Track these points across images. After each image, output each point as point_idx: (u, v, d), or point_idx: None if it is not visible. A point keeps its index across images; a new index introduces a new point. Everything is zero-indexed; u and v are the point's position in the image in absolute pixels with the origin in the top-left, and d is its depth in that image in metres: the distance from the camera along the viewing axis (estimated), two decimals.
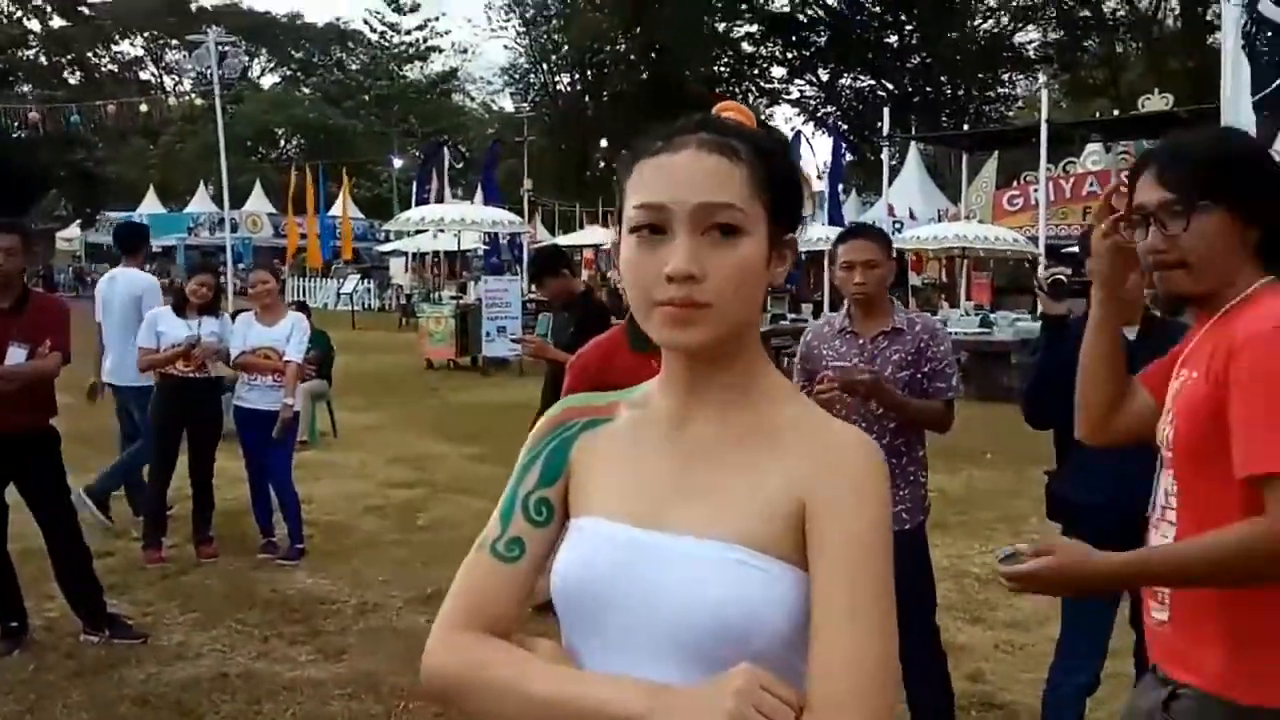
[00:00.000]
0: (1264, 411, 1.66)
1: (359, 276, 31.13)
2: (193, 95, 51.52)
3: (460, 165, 37.39)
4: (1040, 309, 3.73)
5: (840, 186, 22.67)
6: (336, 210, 32.56)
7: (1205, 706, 1.75)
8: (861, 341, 3.47)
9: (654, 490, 1.15)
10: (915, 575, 3.34)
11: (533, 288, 21.73)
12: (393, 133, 46.23)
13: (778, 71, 47.29)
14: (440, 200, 23.56)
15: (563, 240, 29.03)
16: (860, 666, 1.01)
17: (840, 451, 1.11)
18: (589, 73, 47.55)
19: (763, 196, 1.10)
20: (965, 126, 33.82)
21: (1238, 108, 11.21)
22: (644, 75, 45.35)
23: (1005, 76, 44.23)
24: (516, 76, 49.68)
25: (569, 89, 49.01)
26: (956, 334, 12.88)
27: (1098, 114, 29.87)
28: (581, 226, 31.19)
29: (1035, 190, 21.43)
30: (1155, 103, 23.37)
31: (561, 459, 1.21)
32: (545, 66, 48.25)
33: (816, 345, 3.58)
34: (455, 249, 24.02)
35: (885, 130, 21.17)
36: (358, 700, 4.12)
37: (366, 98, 51.10)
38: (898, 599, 1.07)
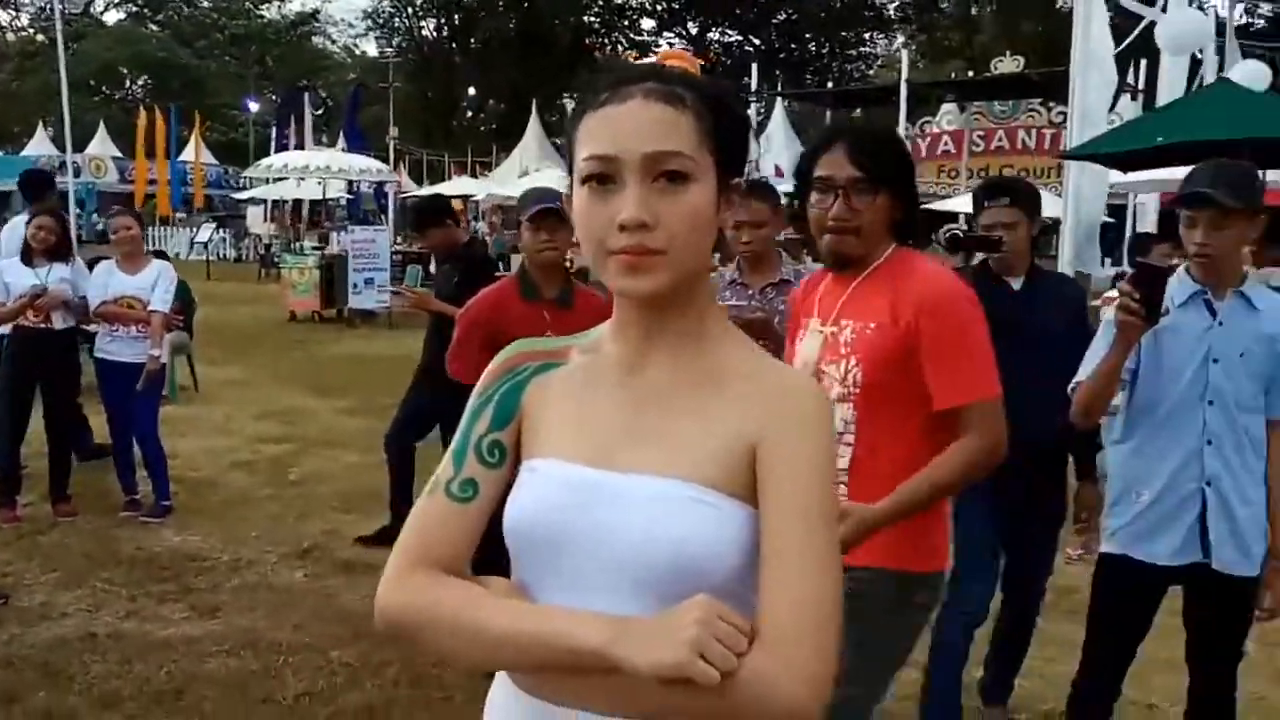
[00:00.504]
0: (956, 355, 2.18)
1: (214, 225, 29.88)
2: (31, 30, 48.26)
3: (321, 111, 36.16)
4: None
5: None
6: (188, 155, 31.12)
7: (878, 577, 2.16)
8: (751, 292, 3.60)
9: (607, 432, 1.17)
10: None
11: (398, 239, 21.41)
12: (249, 75, 44.34)
13: (647, 24, 47.20)
14: (301, 147, 22.81)
15: (427, 190, 28.48)
16: (808, 602, 1.06)
17: (788, 396, 1.15)
18: (456, 19, 46.47)
19: (710, 144, 1.13)
20: (829, 84, 34.44)
21: (1086, 70, 11.77)
22: (512, 24, 44.59)
23: (867, 36, 45.16)
24: (380, 20, 48.22)
25: (435, 35, 47.83)
26: None
27: (953, 75, 30.85)
28: (449, 177, 30.60)
29: None
30: (1008, 64, 24.26)
31: (514, 402, 1.23)
32: (410, 10, 46.94)
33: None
34: (320, 198, 23.30)
35: (753, 86, 21.43)
36: (236, 657, 4.06)
37: (220, 37, 48.76)
38: None
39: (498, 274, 5.15)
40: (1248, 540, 2.67)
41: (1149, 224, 15.98)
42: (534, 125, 29.10)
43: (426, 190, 28.68)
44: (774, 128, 26.08)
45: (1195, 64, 15.78)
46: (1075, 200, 8.36)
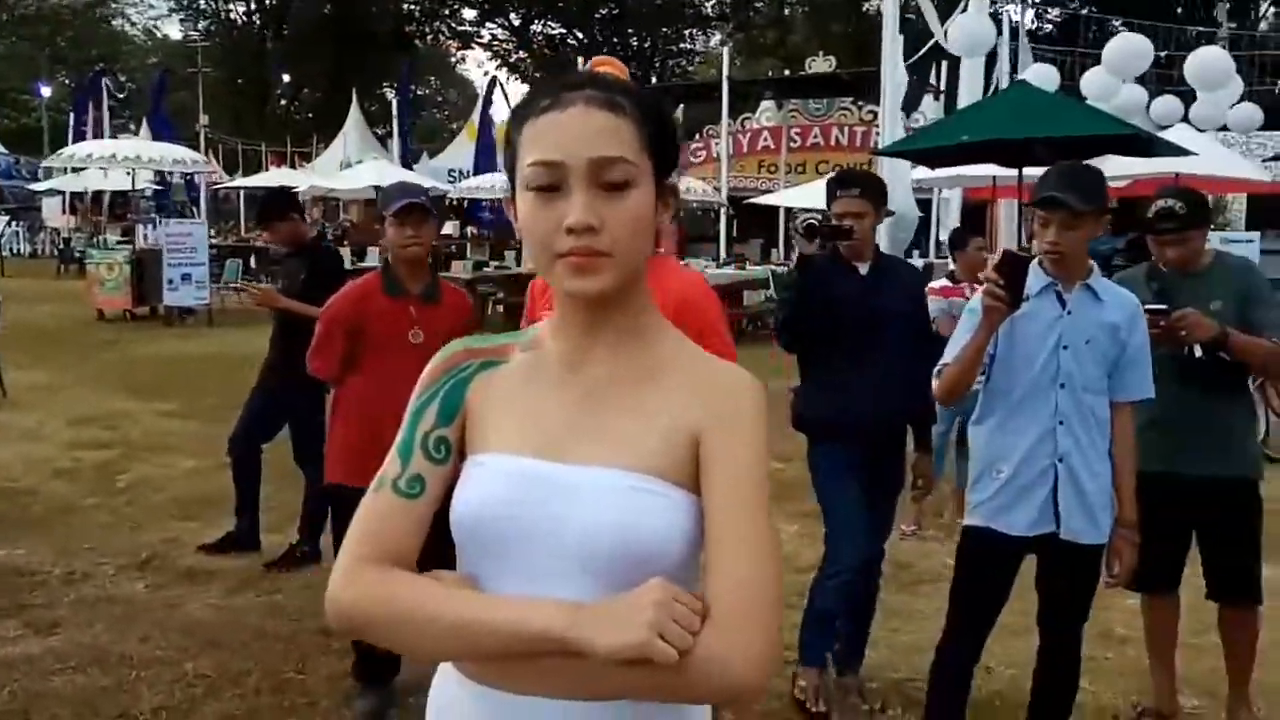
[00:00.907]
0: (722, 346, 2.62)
1: (7, 218, 27.84)
2: None
3: (123, 96, 34.18)
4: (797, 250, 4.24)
5: None
6: None
7: None
8: None
9: (553, 426, 1.20)
10: None
11: (214, 232, 20.48)
12: (40, 58, 41.38)
13: (469, 13, 46.56)
14: (100, 135, 21.54)
15: (243, 182, 27.33)
16: (754, 584, 1.11)
17: (727, 388, 1.21)
18: (267, 3, 44.67)
19: (648, 148, 1.18)
20: (653, 79, 34.94)
21: (895, 70, 12.39)
22: (326, 10, 43.21)
23: (687, 33, 45.96)
24: (184, 2, 45.81)
25: (244, 19, 45.83)
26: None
27: (770, 73, 31.81)
28: (266, 167, 29.43)
29: (717, 144, 22.65)
30: (820, 64, 25.25)
31: (458, 398, 1.25)
32: None
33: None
34: (127, 189, 22.04)
35: None
36: (83, 674, 3.89)
37: (7, 17, 45.28)
38: None
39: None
40: (1095, 511, 2.90)
41: (954, 217, 16.96)
42: (354, 115, 28.35)
43: (241, 182, 27.54)
44: None
45: (991, 67, 16.84)
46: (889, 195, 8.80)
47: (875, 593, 3.86)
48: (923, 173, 12.42)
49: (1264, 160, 17.79)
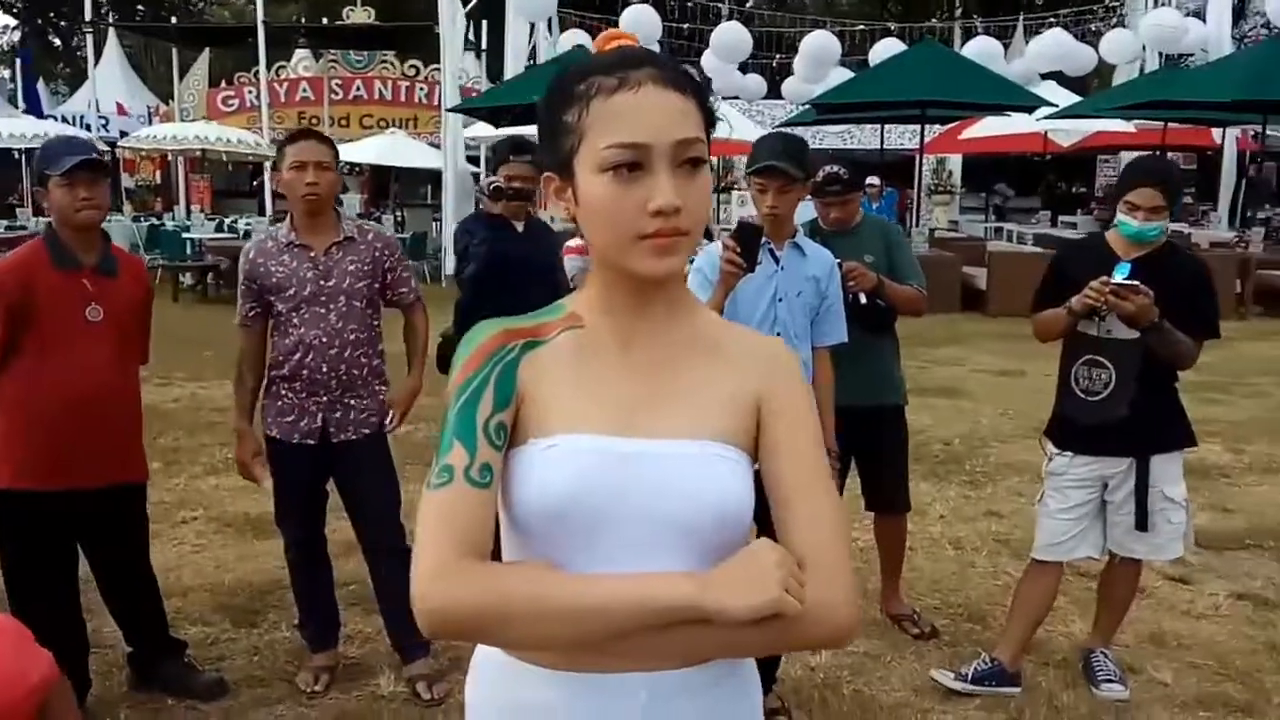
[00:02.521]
0: None
1: None
2: None
3: None
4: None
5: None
6: None
7: None
8: (314, 254, 3.34)
9: (622, 402, 1.22)
10: None
11: None
12: None
13: None
14: None
15: None
16: (837, 534, 1.21)
17: (776, 355, 1.31)
18: None
19: (706, 126, 1.21)
20: (174, 20, 31.89)
21: (455, 29, 12.28)
22: None
23: None
24: None
25: None
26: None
27: (297, 19, 30.31)
28: None
29: (250, 92, 21.24)
30: (359, 14, 24.46)
31: (511, 382, 1.22)
32: None
33: (263, 262, 3.36)
34: None
35: (87, 16, 19.14)
36: None
37: None
38: None
39: None
40: None
41: None
42: None
43: None
44: (109, 64, 23.57)
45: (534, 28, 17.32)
46: (453, 153, 8.80)
47: None
48: (480, 130, 12.51)
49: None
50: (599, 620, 1.12)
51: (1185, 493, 3.46)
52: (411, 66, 22.05)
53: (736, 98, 21.39)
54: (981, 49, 17.63)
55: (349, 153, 17.74)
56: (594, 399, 1.22)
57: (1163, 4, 19.29)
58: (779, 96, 22.54)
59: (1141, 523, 3.38)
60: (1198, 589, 4.47)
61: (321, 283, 3.34)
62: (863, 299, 3.69)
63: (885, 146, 17.96)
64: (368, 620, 3.95)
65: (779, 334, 3.18)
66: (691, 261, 3.30)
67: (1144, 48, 17.90)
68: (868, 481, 4.08)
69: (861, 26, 24.30)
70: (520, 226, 4.20)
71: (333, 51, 23.51)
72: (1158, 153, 14.48)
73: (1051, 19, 22.43)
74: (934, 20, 27.87)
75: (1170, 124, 15.56)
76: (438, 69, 17.46)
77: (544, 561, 1.18)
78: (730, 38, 16.10)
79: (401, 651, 3.60)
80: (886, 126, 17.70)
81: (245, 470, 3.53)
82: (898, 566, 4.20)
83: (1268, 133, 14.64)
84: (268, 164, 19.24)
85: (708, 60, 16.76)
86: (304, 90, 22.91)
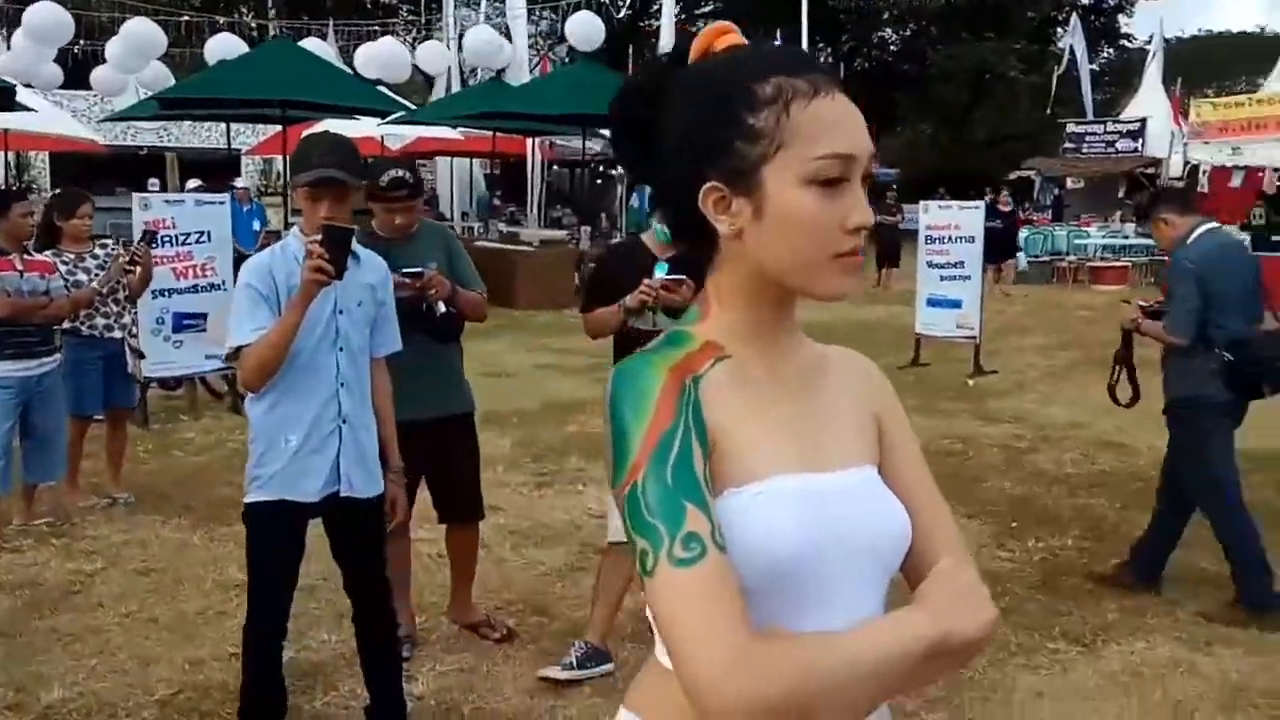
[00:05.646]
0: None
1: None
2: None
3: None
4: None
5: None
6: None
7: None
8: None
9: (799, 435, 1.15)
10: None
11: None
12: None
13: None
14: None
15: None
16: (954, 526, 1.23)
17: (869, 368, 1.28)
18: None
19: None
20: None
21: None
22: None
23: None
24: None
25: None
26: None
27: None
28: None
29: None
30: None
31: (704, 426, 1.08)
32: None
33: None
34: None
35: None
36: None
37: None
38: None
39: None
40: (370, 464, 3.07)
41: None
42: None
43: None
44: None
45: None
46: None
47: None
48: None
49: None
50: (887, 674, 1.04)
51: None
52: None
53: (30, 85, 18.63)
54: (319, 51, 17.54)
55: None
56: (771, 435, 1.13)
57: (477, 23, 20.96)
58: (85, 86, 20.13)
59: None
60: None
61: None
62: (440, 308, 3.62)
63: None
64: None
65: (341, 349, 3.01)
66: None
67: (461, 60, 19.22)
68: (441, 494, 3.97)
69: (187, 18, 22.64)
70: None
71: None
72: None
73: (366, 26, 23.02)
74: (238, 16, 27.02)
75: (498, 133, 17.01)
76: None
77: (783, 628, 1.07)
78: (50, 19, 14.00)
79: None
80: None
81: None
82: (470, 575, 4.12)
83: (587, 145, 16.78)
84: None
85: (18, 41, 14.33)
86: None
